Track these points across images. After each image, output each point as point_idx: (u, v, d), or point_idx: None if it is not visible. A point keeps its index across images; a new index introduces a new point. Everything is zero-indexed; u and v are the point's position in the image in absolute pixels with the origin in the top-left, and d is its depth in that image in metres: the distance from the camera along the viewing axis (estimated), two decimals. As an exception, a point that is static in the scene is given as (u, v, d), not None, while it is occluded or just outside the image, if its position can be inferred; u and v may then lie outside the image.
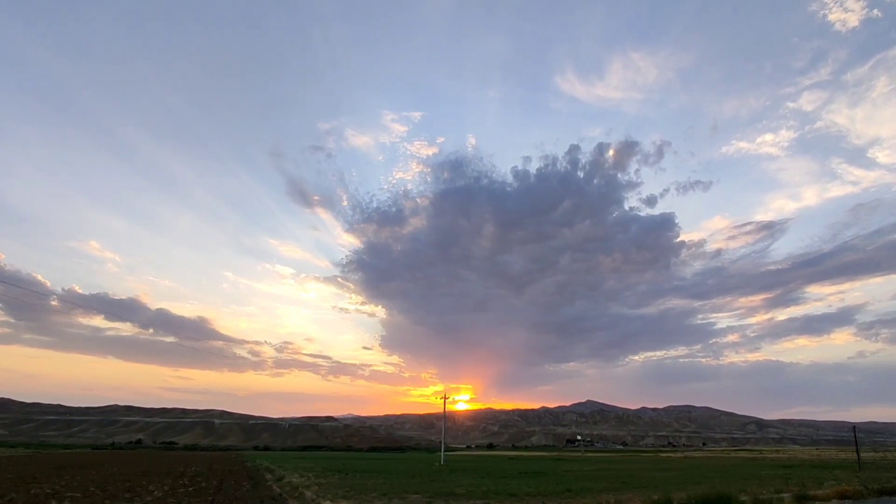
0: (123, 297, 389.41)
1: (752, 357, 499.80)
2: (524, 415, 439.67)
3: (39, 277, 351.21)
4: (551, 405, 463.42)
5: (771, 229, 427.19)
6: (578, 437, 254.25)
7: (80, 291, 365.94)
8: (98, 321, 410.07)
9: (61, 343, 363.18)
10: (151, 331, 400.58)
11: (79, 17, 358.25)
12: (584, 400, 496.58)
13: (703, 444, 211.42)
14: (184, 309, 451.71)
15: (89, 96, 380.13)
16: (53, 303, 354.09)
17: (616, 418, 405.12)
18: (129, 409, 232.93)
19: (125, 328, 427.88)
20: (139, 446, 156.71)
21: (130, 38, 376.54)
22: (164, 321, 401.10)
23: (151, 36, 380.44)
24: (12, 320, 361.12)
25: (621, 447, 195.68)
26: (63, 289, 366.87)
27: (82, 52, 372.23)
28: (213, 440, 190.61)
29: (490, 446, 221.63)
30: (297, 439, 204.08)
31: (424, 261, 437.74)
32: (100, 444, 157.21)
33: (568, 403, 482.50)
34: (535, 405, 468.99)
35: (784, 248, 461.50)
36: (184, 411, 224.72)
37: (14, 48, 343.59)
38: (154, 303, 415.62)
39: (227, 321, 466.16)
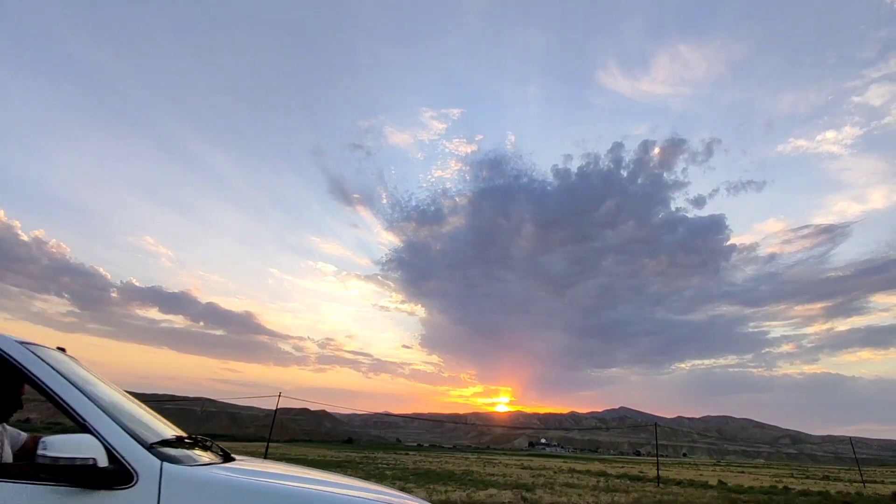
0: (176, 291, 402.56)
1: (809, 369, 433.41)
2: (545, 419, 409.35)
3: (101, 270, 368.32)
4: (583, 410, 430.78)
5: (831, 233, 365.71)
6: (543, 441, 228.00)
7: (137, 284, 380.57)
8: (153, 313, 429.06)
9: (121, 333, 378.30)
10: (202, 323, 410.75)
11: (136, 25, 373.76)
12: (617, 406, 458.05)
13: (684, 455, 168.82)
14: (232, 303, 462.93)
15: (144, 99, 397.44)
16: (113, 294, 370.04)
17: (632, 426, 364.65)
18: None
19: (178, 320, 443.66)
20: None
21: (180, 42, 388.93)
22: (213, 315, 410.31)
23: (200, 40, 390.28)
24: (77, 310, 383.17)
25: (570, 452, 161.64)
26: (122, 281, 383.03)
27: (138, 55, 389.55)
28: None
29: (455, 447, 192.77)
30: (208, 427, 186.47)
31: (463, 260, 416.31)
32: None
33: (600, 409, 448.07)
34: (566, 410, 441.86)
35: (846, 254, 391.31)
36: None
37: (75, 53, 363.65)
38: (204, 297, 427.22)
39: (273, 316, 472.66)
